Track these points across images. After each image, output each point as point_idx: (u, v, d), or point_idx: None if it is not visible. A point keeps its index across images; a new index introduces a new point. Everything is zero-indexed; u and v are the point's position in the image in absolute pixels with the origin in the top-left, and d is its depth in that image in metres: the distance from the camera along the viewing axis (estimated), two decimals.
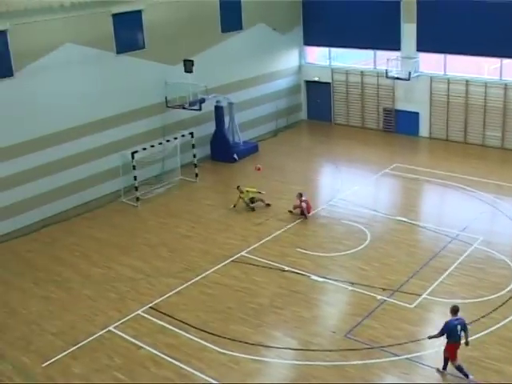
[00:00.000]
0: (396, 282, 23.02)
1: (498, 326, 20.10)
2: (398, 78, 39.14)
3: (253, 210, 29.76)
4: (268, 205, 29.98)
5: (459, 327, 17.75)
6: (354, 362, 18.82)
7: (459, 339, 17.82)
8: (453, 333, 17.74)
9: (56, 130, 29.76)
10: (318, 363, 18.92)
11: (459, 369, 17.74)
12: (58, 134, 29.83)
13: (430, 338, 18.34)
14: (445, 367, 18.20)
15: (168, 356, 19.53)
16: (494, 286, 22.41)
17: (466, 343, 18.02)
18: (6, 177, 28.25)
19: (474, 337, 19.42)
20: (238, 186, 29.97)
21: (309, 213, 28.59)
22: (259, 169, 32.23)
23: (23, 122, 28.50)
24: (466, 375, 17.72)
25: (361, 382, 17.95)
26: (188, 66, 33.39)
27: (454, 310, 18.03)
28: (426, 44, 38.14)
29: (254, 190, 30.08)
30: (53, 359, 19.68)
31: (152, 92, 33.56)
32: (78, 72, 30.32)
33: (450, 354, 17.95)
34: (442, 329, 17.89)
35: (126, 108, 32.57)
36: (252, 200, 29.93)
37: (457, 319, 17.91)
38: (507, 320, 20.38)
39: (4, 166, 28.11)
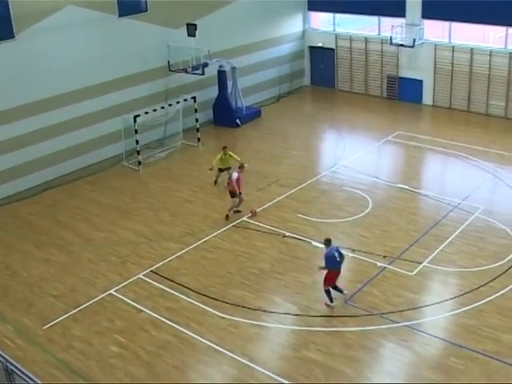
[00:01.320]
0: (397, 249, 23.07)
1: (496, 295, 20.18)
2: (402, 45, 38.84)
3: (215, 182, 29.19)
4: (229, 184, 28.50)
5: (337, 254, 19.67)
6: (354, 329, 18.93)
7: (339, 266, 19.86)
8: (333, 261, 19.62)
9: (58, 92, 29.63)
10: (318, 329, 19.04)
11: (329, 292, 19.83)
12: (59, 96, 29.71)
13: (320, 268, 19.83)
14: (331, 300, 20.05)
15: (168, 319, 19.67)
16: (493, 255, 22.47)
17: None
18: (8, 139, 28.19)
19: (472, 305, 19.65)
20: (225, 147, 29.34)
21: (239, 191, 25.71)
22: (254, 213, 26.30)
23: (24, 84, 28.37)
24: (341, 291, 20.08)
25: (360, 348, 18.08)
26: (191, 29, 33.10)
27: (328, 241, 19.78)
28: (431, 11, 37.78)
29: (237, 158, 28.89)
30: (54, 321, 19.82)
31: (154, 56, 33.39)
32: (79, 35, 30.12)
33: (329, 282, 19.86)
34: (326, 262, 19.64)
35: (129, 71, 32.39)
36: (225, 169, 28.85)
37: (332, 249, 19.71)
38: (506, 289, 20.45)
39: (6, 128, 28.03)
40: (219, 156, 28.36)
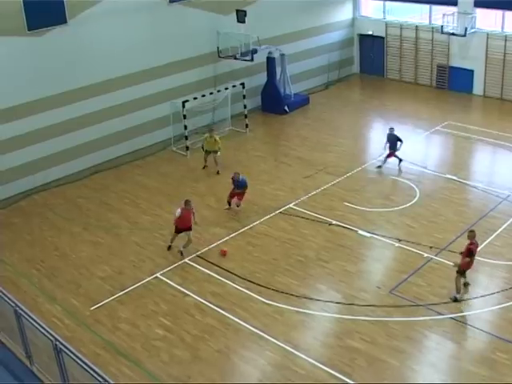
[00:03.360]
0: (443, 240, 22.88)
1: None
2: (453, 34, 38.31)
3: (204, 167, 29.86)
4: (205, 167, 29.85)
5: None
6: (398, 319, 18.86)
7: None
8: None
9: (108, 77, 29.94)
10: (362, 318, 19.02)
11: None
12: (109, 81, 30.02)
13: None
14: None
15: (213, 304, 19.83)
16: None
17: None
18: (59, 123, 28.61)
19: None
20: (212, 130, 29.81)
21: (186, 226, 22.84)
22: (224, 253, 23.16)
23: (76, 69, 28.72)
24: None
25: (404, 339, 18.01)
26: (240, 16, 33.12)
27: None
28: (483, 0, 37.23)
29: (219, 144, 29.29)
30: (101, 303, 20.14)
31: (204, 41, 33.44)
32: (130, 20, 30.30)
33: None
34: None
35: (178, 57, 32.54)
36: (211, 151, 29.34)
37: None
38: None
39: (57, 112, 28.44)
40: (205, 136, 29.28)
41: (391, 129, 28.95)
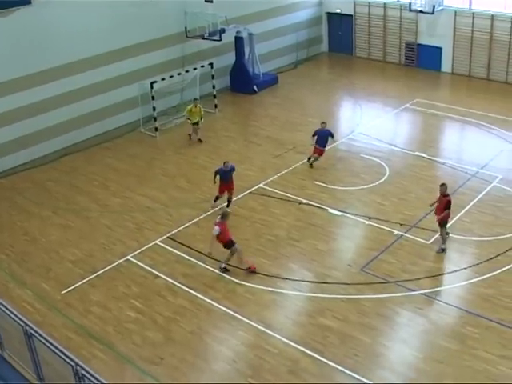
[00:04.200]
0: (413, 217, 23.02)
1: None
2: (421, 12, 38.43)
3: (190, 137, 30.39)
4: (190, 136, 30.39)
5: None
6: (369, 296, 18.98)
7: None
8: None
9: (75, 59, 29.52)
10: (334, 296, 19.10)
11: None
12: (76, 63, 29.62)
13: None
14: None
15: (184, 285, 19.80)
16: (511, 224, 22.36)
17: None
18: (25, 106, 28.19)
19: (489, 274, 19.65)
20: (196, 99, 30.15)
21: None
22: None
23: (41, 51, 28.27)
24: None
25: (375, 316, 18.13)
26: None
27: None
28: None
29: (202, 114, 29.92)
30: (72, 287, 20.01)
31: (171, 22, 33.14)
32: (96, 1, 29.87)
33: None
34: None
35: (146, 37, 32.20)
36: (194, 123, 29.92)
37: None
38: None
39: (22, 95, 27.99)
40: (189, 107, 29.47)
41: (323, 123, 27.00)
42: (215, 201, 24.20)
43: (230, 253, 20.23)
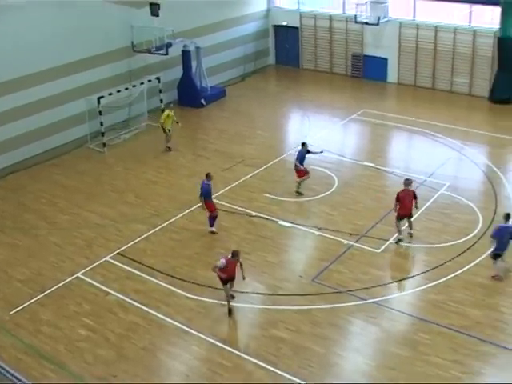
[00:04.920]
0: (363, 227, 23.19)
1: (462, 270, 20.43)
2: (366, 23, 38.82)
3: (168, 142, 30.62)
4: (169, 148, 30.55)
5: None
6: (322, 306, 19.03)
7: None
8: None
9: (20, 75, 29.09)
10: (286, 307, 19.12)
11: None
12: (21, 79, 29.20)
13: None
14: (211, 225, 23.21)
15: (136, 301, 19.63)
16: (459, 231, 22.70)
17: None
18: None
19: (439, 281, 19.92)
20: (169, 103, 30.61)
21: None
22: None
23: None
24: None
25: (328, 326, 18.17)
26: (154, 9, 32.80)
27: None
28: None
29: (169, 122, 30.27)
30: (21, 306, 19.67)
31: (117, 36, 32.94)
32: (40, 15, 29.51)
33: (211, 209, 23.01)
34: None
35: (91, 52, 31.92)
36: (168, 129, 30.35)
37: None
38: (472, 264, 20.70)
39: None
40: (166, 113, 30.00)
41: (304, 144, 26.02)
42: (212, 225, 23.36)
43: (230, 286, 19.02)
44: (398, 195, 21.84)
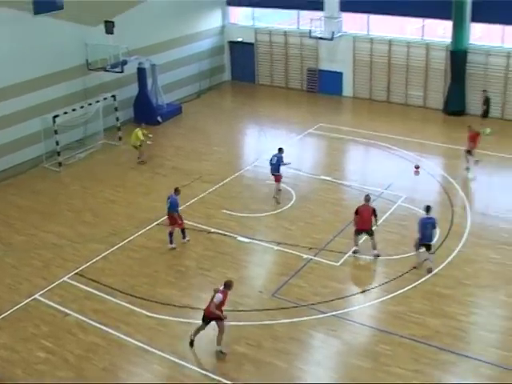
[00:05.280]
0: (321, 240, 23.28)
1: (420, 280, 20.64)
2: (321, 38, 39.19)
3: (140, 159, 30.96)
4: (142, 162, 30.82)
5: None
6: (282, 321, 19.02)
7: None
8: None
9: None
10: (247, 323, 19.08)
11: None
12: None
13: None
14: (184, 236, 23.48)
15: (95, 321, 19.39)
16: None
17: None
18: None
19: (398, 292, 20.04)
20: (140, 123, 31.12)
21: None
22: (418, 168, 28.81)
23: None
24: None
25: (289, 340, 18.15)
26: (109, 27, 32.69)
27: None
28: (348, 4, 38.25)
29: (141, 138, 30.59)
30: None
31: (72, 54, 32.70)
32: None
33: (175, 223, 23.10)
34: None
35: (46, 71, 31.61)
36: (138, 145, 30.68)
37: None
38: (429, 275, 20.94)
39: None
40: (140, 132, 30.30)
41: (280, 149, 26.96)
42: (171, 242, 23.35)
43: (219, 331, 17.82)
44: (357, 209, 22.20)
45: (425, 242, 21.25)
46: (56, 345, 18.53)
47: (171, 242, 23.32)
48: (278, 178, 26.54)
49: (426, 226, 21.11)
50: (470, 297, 19.94)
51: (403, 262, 21.66)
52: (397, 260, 21.89)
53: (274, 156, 26.51)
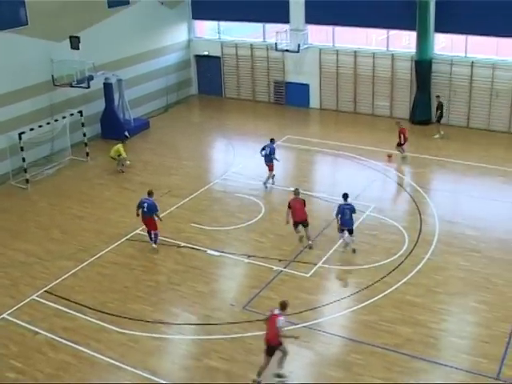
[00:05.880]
0: (292, 252, 23.30)
1: (391, 289, 20.71)
2: (287, 51, 39.35)
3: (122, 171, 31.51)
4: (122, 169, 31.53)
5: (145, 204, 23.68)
6: (254, 334, 18.92)
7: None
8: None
9: None
10: (219, 337, 18.99)
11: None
12: None
13: None
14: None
15: (66, 339, 19.18)
16: (386, 251, 23.05)
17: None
18: None
19: (368, 301, 20.13)
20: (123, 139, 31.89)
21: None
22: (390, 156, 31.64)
23: None
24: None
25: (261, 353, 18.09)
26: (74, 42, 32.51)
27: None
28: (314, 16, 38.45)
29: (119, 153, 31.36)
30: None
31: (37, 70, 32.44)
32: None
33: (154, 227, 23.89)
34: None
35: (11, 87, 31.33)
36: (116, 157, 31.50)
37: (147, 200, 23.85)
38: (400, 283, 21.02)
39: None
40: (120, 146, 31.27)
41: (272, 140, 29.64)
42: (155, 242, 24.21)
43: (284, 354, 17.30)
44: (289, 203, 23.58)
45: (345, 227, 22.97)
46: (26, 364, 18.28)
47: (152, 241, 24.18)
48: (270, 167, 28.90)
49: (345, 212, 22.75)
50: (440, 304, 20.04)
51: (373, 271, 21.75)
52: (367, 269, 21.96)
53: (267, 147, 28.79)
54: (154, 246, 23.99)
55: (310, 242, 23.46)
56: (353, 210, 22.79)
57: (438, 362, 17.58)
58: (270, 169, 28.85)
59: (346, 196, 23.12)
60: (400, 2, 35.60)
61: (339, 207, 22.92)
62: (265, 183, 28.84)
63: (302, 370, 17.63)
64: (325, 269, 22.18)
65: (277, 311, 16.84)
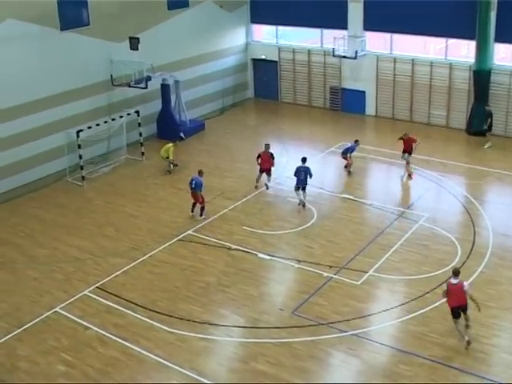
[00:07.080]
0: (342, 259, 23.22)
1: (441, 301, 20.29)
2: (344, 57, 39.24)
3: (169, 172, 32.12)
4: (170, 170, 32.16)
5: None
6: (302, 339, 18.94)
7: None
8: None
9: None
10: (266, 340, 19.02)
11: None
12: (1, 112, 29.16)
13: None
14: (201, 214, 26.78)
15: (115, 336, 19.44)
16: (438, 262, 22.78)
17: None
18: None
19: (418, 312, 19.94)
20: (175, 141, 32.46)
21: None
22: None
23: None
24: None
25: (309, 359, 18.10)
26: (134, 43, 32.95)
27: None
28: (372, 23, 38.27)
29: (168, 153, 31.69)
30: None
31: (97, 70, 33.02)
32: (20, 49, 29.58)
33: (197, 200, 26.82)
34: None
35: (71, 86, 31.95)
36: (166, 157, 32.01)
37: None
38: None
39: None
40: (172, 146, 31.54)
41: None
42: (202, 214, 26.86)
43: (468, 319, 18.90)
44: (259, 154, 28.97)
45: (299, 185, 27.20)
46: (76, 358, 18.59)
47: (192, 211, 27.07)
48: (348, 161, 31.18)
49: (300, 173, 27.19)
50: (492, 319, 19.70)
51: (424, 282, 21.53)
52: (418, 280, 21.77)
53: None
54: (200, 217, 26.73)
55: (267, 183, 28.89)
56: (308, 172, 27.10)
57: (487, 377, 17.30)
58: (348, 162, 30.97)
59: (304, 160, 27.84)
60: (460, 11, 35.19)
61: (297, 168, 27.31)
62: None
63: (348, 379, 17.54)
64: (375, 277, 22.05)
65: (453, 280, 18.33)
